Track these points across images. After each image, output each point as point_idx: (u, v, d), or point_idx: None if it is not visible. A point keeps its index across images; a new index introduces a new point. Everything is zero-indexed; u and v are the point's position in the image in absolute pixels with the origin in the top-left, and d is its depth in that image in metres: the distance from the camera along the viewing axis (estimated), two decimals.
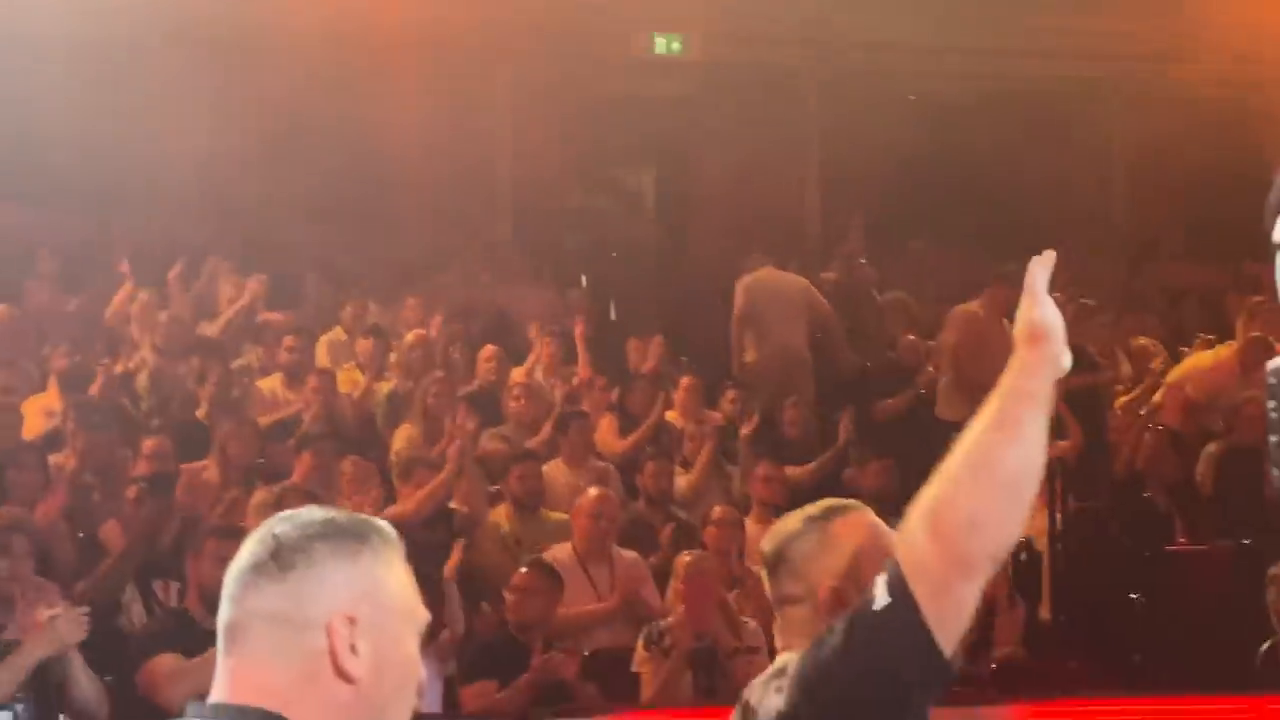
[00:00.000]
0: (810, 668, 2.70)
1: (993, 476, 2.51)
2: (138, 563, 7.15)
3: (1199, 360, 11.04)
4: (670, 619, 7.36)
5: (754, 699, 2.80)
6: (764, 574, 2.98)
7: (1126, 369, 11.41)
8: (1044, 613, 8.87)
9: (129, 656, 6.39)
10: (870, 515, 2.90)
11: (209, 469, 8.38)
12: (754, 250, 11.76)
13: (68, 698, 5.92)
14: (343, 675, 1.99)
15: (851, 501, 3.05)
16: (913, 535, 2.55)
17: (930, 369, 11.03)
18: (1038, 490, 2.55)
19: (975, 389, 10.97)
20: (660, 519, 8.83)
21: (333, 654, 1.99)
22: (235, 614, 2.03)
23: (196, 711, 2.01)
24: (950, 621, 2.57)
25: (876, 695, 2.62)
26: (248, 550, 2.06)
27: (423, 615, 2.09)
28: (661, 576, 8.02)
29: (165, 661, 6.20)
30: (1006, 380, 2.56)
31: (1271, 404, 1.53)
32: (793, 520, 2.97)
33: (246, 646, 2.02)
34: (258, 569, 2.03)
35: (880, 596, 2.58)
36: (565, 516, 8.42)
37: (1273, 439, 1.56)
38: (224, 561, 6.55)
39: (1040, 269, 2.61)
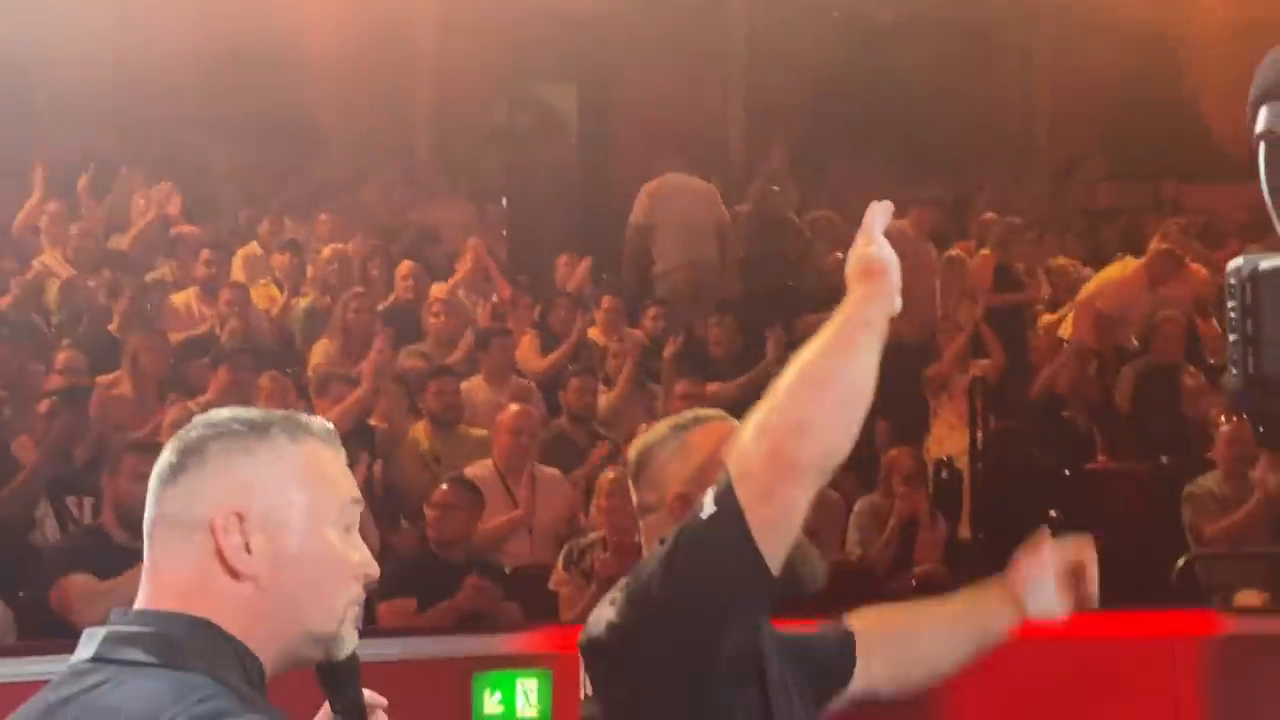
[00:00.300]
0: (637, 577, 2.71)
1: (824, 389, 2.55)
2: (50, 478, 7.03)
3: (1108, 274, 11.12)
4: (591, 536, 7.34)
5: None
6: (629, 483, 2.96)
7: (1047, 290, 11.46)
8: (964, 530, 8.92)
9: (42, 573, 6.29)
10: (731, 424, 2.86)
11: (121, 383, 8.25)
12: (666, 160, 11.72)
13: None
14: (233, 573, 1.96)
15: (716, 411, 3.03)
16: (743, 441, 2.59)
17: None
18: (864, 414, 2.59)
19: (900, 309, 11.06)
20: (583, 436, 8.80)
21: (218, 552, 1.96)
22: (148, 519, 2.04)
23: (117, 619, 1.99)
24: (777, 528, 2.58)
25: (699, 604, 2.63)
26: (162, 455, 2.06)
27: (347, 504, 2.04)
28: (587, 494, 7.99)
29: (79, 581, 6.11)
30: (844, 310, 2.62)
31: (1231, 303, 1.52)
32: (658, 429, 2.96)
33: (155, 551, 2.01)
34: (161, 474, 2.03)
35: (708, 505, 2.60)
36: (485, 433, 8.37)
37: (1232, 337, 1.54)
38: (141, 478, 6.49)
39: (878, 213, 2.69)
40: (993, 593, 2.94)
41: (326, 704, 2.15)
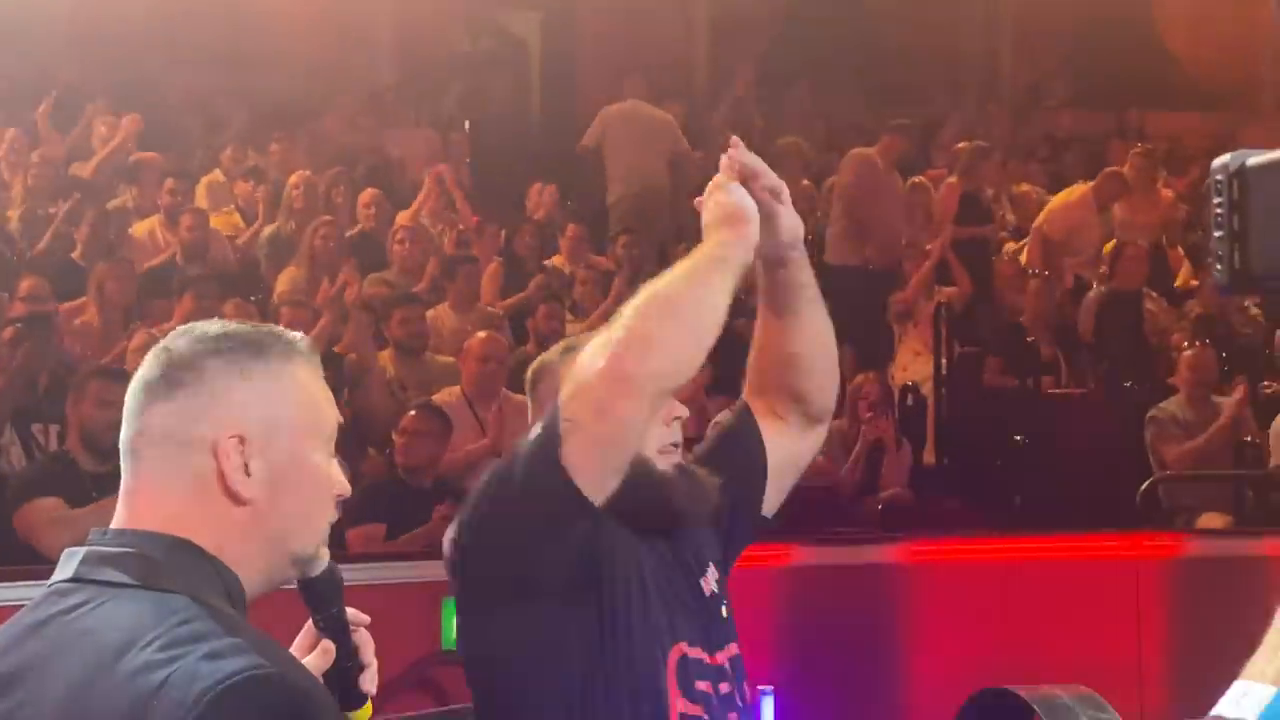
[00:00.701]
0: (472, 495, 2.72)
1: (671, 313, 2.56)
2: (15, 406, 7.00)
3: (1058, 199, 11.17)
4: None
5: None
6: (528, 399, 2.96)
7: (1012, 218, 11.49)
8: (929, 456, 8.98)
9: (7, 500, 6.27)
10: None
11: (87, 310, 8.21)
12: (630, 87, 11.68)
13: None
14: (232, 496, 1.92)
15: None
16: (583, 358, 2.57)
17: (817, 214, 11.04)
18: (707, 347, 2.59)
19: (865, 234, 11.11)
20: None
21: (221, 475, 1.92)
22: (129, 434, 1.96)
23: (97, 539, 1.94)
24: (610, 444, 2.56)
25: (511, 525, 2.62)
26: (143, 367, 1.98)
27: (328, 427, 2.01)
28: None
29: (46, 506, 6.09)
30: (703, 247, 2.64)
31: (1217, 200, 1.53)
32: (552, 351, 2.96)
33: (140, 469, 1.95)
34: (149, 388, 1.96)
35: (536, 427, 2.61)
36: (452, 360, 8.36)
37: (1217, 234, 1.56)
38: (106, 404, 6.45)
39: (741, 154, 2.73)
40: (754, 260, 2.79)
41: (309, 623, 2.14)
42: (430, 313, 8.94)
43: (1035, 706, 5.81)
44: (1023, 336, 9.58)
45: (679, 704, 2.67)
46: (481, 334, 8.19)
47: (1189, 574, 6.63)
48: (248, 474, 1.93)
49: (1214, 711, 1.63)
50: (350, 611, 2.14)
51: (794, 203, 10.24)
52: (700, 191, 2.81)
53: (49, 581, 1.94)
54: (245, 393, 1.94)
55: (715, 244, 2.64)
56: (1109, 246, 10.46)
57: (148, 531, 1.92)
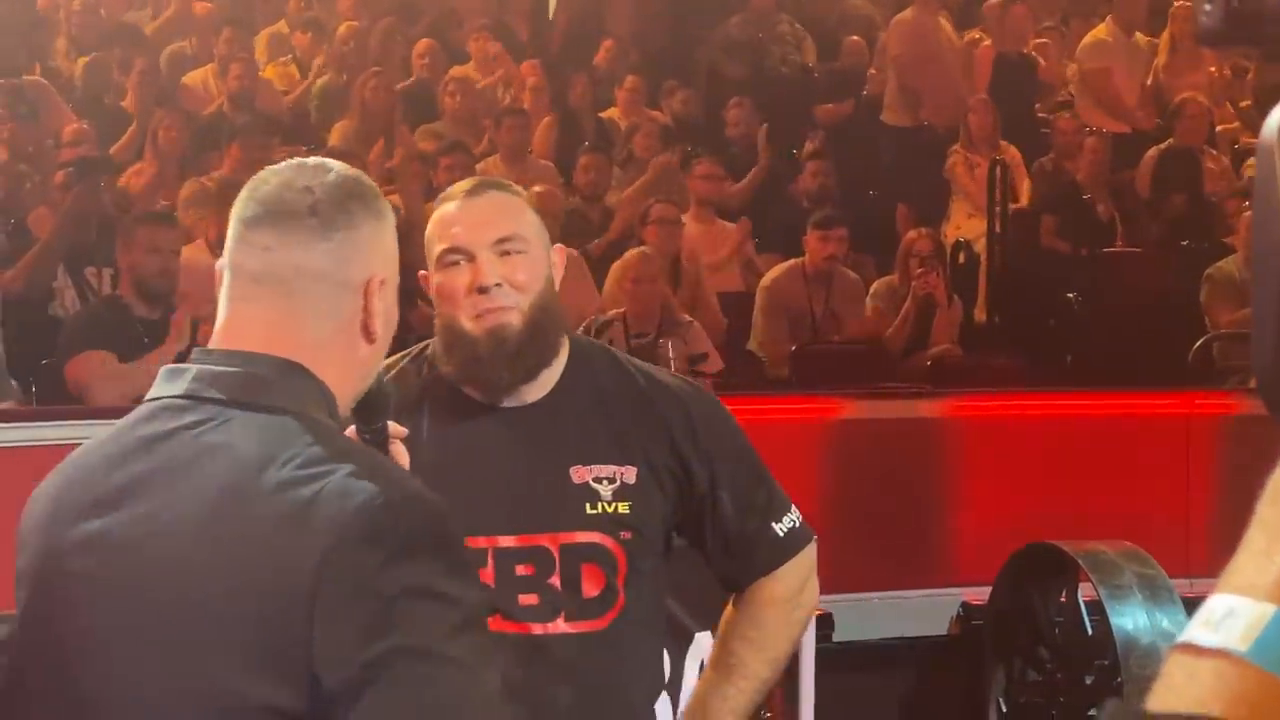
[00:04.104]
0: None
1: None
2: (68, 249, 7.03)
3: (1085, 39, 10.94)
4: (612, 314, 7.35)
5: None
6: None
7: (1074, 73, 11.26)
8: (980, 313, 8.92)
9: (61, 346, 6.31)
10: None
11: (143, 158, 8.21)
12: None
13: None
14: (367, 335, 2.02)
15: None
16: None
17: (873, 72, 10.91)
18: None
19: (918, 96, 10.93)
20: (597, 215, 8.76)
21: (366, 313, 2.00)
22: (270, 263, 1.98)
23: (204, 359, 1.97)
24: None
25: None
26: (273, 197, 1.99)
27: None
28: (598, 271, 7.98)
29: (98, 359, 6.12)
30: None
31: None
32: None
33: (278, 298, 1.98)
34: (298, 220, 1.98)
35: (789, 515, 2.95)
36: None
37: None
38: (155, 251, 6.46)
39: None
40: None
41: (352, 433, 2.22)
42: (480, 165, 8.89)
43: (1080, 561, 5.82)
44: (1079, 195, 9.47)
45: None
46: (536, 188, 8.13)
47: (1239, 432, 6.58)
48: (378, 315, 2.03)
49: (1188, 634, 1.19)
50: (390, 424, 2.25)
51: (848, 59, 10.07)
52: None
53: (149, 396, 1.97)
54: (381, 237, 2.04)
55: None
56: (1176, 99, 10.26)
57: (257, 353, 1.96)
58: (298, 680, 1.78)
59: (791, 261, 8.23)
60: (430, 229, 2.83)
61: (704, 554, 2.88)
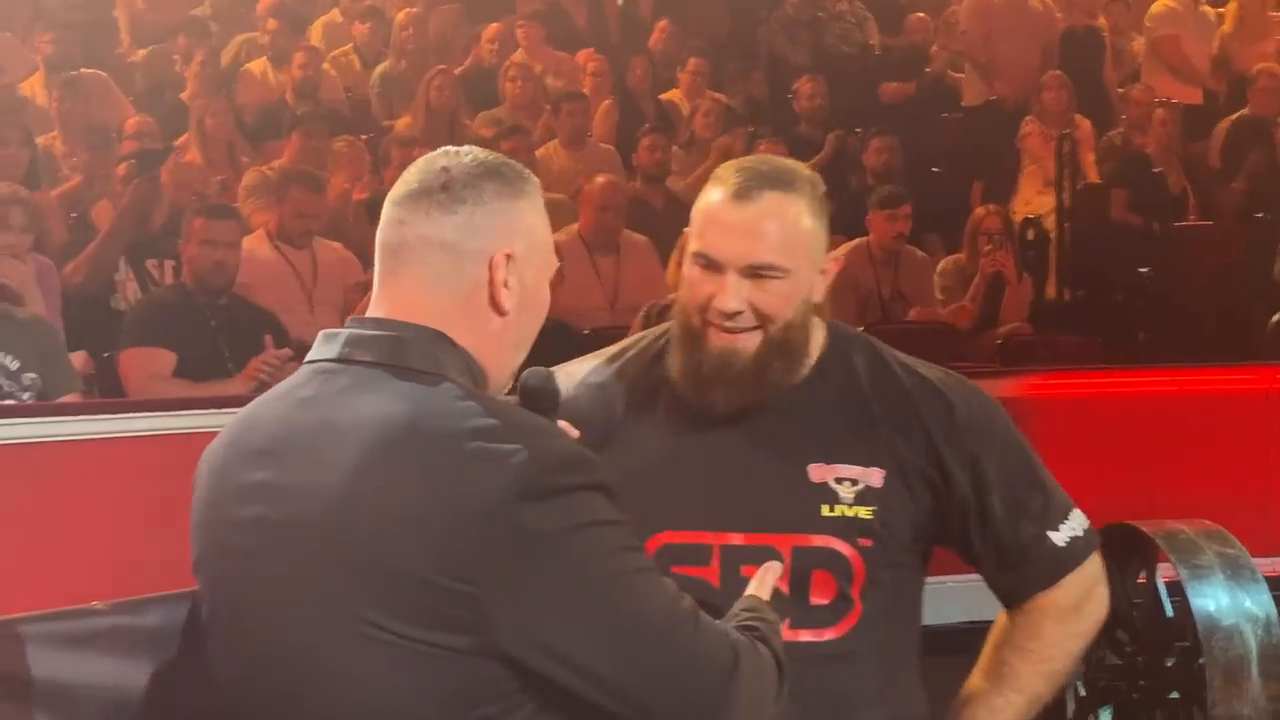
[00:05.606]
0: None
1: None
2: (128, 239, 7.02)
3: (1154, 7, 10.77)
4: (671, 297, 7.25)
5: None
6: None
7: (1143, 47, 11.09)
8: (1051, 290, 8.80)
9: (122, 335, 6.29)
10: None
11: (190, 147, 8.21)
12: None
13: None
14: (496, 306, 2.11)
15: None
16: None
17: (935, 49, 10.79)
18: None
19: (990, 72, 10.76)
20: (657, 198, 8.70)
21: (492, 285, 2.11)
22: (403, 236, 2.12)
23: (357, 325, 2.11)
24: None
25: None
26: (414, 178, 2.14)
27: (556, 262, 2.22)
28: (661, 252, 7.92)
29: (154, 359, 6.10)
30: None
31: None
32: None
33: (413, 271, 2.11)
34: (429, 196, 2.12)
35: (1075, 519, 2.81)
36: (563, 197, 8.28)
37: None
38: (209, 243, 6.42)
39: None
40: None
41: None
42: (540, 150, 8.83)
43: (1158, 541, 5.69)
44: (1149, 168, 9.31)
45: None
46: (600, 179, 8.05)
47: None
48: (507, 288, 2.12)
49: None
50: (560, 422, 2.25)
51: (913, 36, 9.95)
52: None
53: (308, 358, 2.14)
54: (516, 215, 2.14)
55: None
56: (1253, 69, 10.09)
57: (406, 322, 2.09)
58: (458, 623, 1.93)
59: (857, 241, 8.13)
60: (695, 207, 2.64)
61: (977, 567, 2.69)
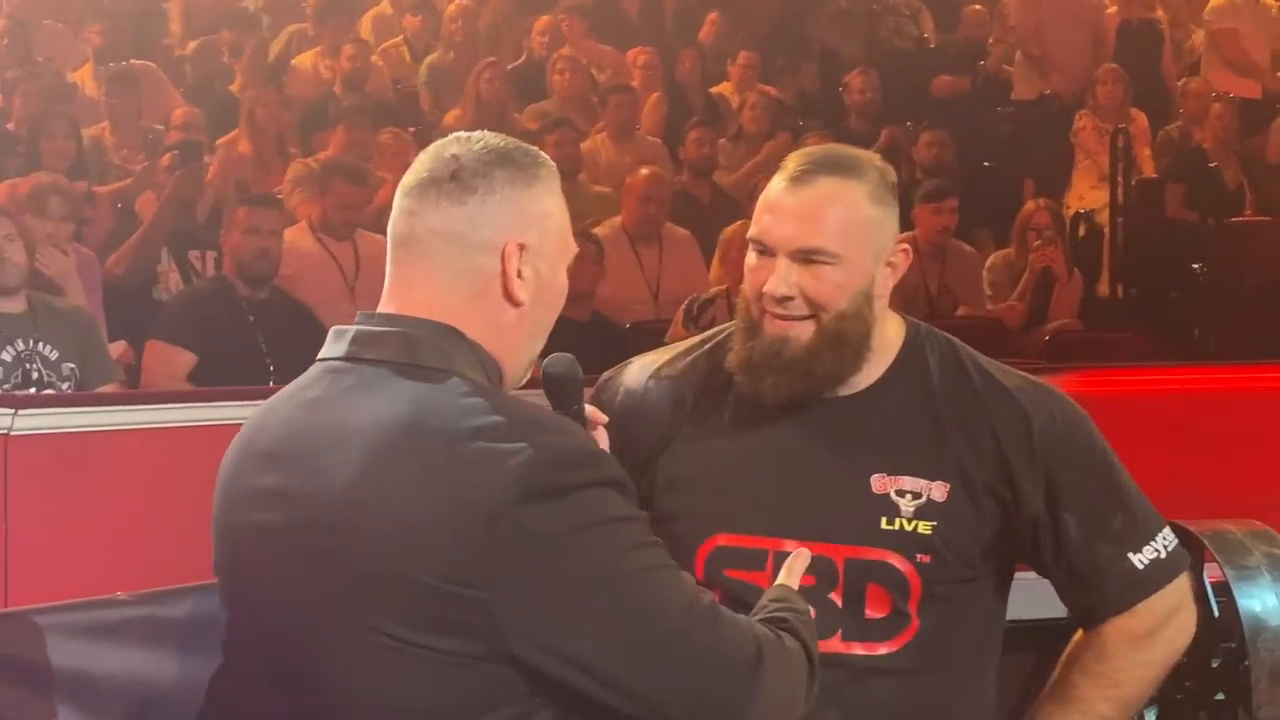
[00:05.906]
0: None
1: None
2: (170, 230, 7.02)
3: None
4: (713, 291, 7.20)
5: None
6: None
7: (1200, 40, 10.94)
8: (1103, 287, 8.69)
9: (155, 325, 6.29)
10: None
11: (240, 140, 8.22)
12: None
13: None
14: (509, 297, 2.07)
15: None
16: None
17: (992, 42, 10.70)
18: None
19: (1044, 66, 10.64)
20: (704, 191, 8.64)
21: (504, 276, 2.06)
22: (412, 227, 2.08)
23: (365, 321, 2.08)
24: None
25: None
26: (424, 167, 2.10)
27: (574, 248, 2.17)
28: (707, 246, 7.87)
29: (172, 356, 6.09)
30: None
31: None
32: None
33: (422, 263, 2.07)
34: (438, 186, 2.08)
35: (1159, 545, 2.66)
36: (610, 190, 8.23)
37: None
38: (253, 231, 6.42)
39: None
40: None
41: None
42: (586, 143, 8.79)
43: (1206, 541, 5.58)
44: (1206, 163, 9.19)
45: None
46: (644, 171, 8.00)
47: None
48: (520, 278, 2.08)
49: None
50: (587, 408, 2.26)
51: (969, 30, 9.84)
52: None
53: (320, 356, 2.10)
54: (528, 203, 2.08)
55: None
56: None
57: (416, 317, 2.05)
58: (467, 628, 1.90)
59: (903, 235, 8.04)
60: (762, 194, 2.58)
61: (1053, 584, 2.60)
